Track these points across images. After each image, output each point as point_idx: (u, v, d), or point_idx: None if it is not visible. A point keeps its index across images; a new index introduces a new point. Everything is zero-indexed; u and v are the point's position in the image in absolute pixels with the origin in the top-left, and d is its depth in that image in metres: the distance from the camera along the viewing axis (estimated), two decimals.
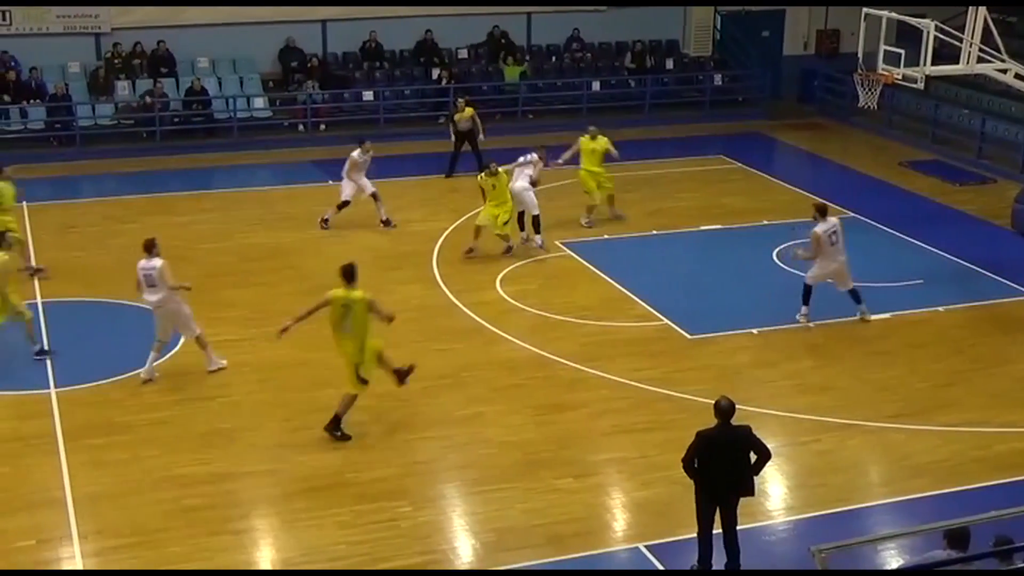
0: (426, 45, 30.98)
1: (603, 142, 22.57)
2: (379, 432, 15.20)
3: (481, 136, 25.90)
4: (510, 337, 17.96)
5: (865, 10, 21.89)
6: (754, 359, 17.56)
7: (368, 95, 29.85)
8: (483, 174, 21.13)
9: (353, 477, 14.07)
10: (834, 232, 18.11)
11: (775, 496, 13.88)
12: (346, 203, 22.51)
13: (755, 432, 11.90)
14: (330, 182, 25.49)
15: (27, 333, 17.10)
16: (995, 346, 18.24)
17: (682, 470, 11.89)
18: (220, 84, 29.42)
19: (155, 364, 16.47)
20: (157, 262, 16.24)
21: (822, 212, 18.12)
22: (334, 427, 14.91)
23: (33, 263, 20.22)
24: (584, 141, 22.65)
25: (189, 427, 15.24)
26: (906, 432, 15.37)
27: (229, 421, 15.42)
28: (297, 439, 14.95)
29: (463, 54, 31.65)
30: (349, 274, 14.60)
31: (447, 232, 22.52)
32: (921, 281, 20.43)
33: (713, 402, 11.98)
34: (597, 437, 15.25)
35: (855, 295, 18.61)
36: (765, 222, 23.09)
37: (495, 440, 15.03)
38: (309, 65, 29.74)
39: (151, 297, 16.36)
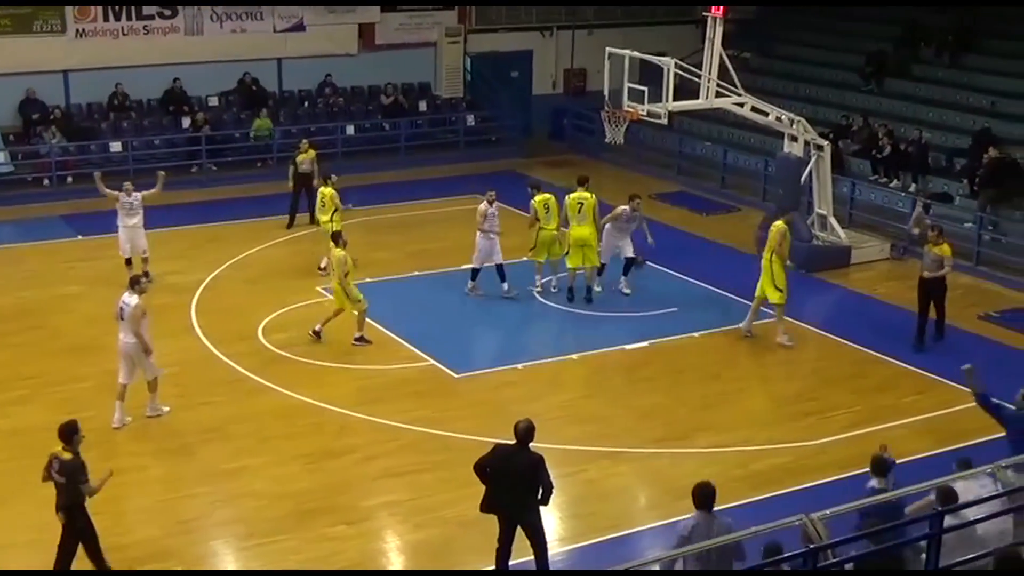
0: (174, 93, 30.37)
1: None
2: (142, 492, 14.71)
3: (316, 180, 25.23)
4: (275, 386, 17.68)
5: (608, 49, 22.58)
6: (520, 393, 17.75)
7: (116, 146, 29.03)
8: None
9: (116, 541, 13.48)
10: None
11: (547, 528, 13.99)
12: (127, 260, 21.59)
13: (544, 464, 12.04)
14: (79, 237, 24.71)
15: (356, 324, 19.14)
16: (748, 368, 18.99)
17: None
18: None
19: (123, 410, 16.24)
20: (132, 300, 15.91)
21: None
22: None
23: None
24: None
25: None
26: (670, 456, 15.80)
27: None
28: (53, 506, 14.29)
29: (214, 102, 31.16)
30: (583, 181, 21.13)
31: (205, 283, 22.07)
32: (676, 309, 21.10)
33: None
34: (368, 482, 15.14)
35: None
36: (525, 258, 23.40)
37: (265, 492, 14.74)
38: (52, 117, 28.75)
39: (120, 332, 16.08)
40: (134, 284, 16.22)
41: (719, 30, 22.23)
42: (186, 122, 29.91)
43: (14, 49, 28.30)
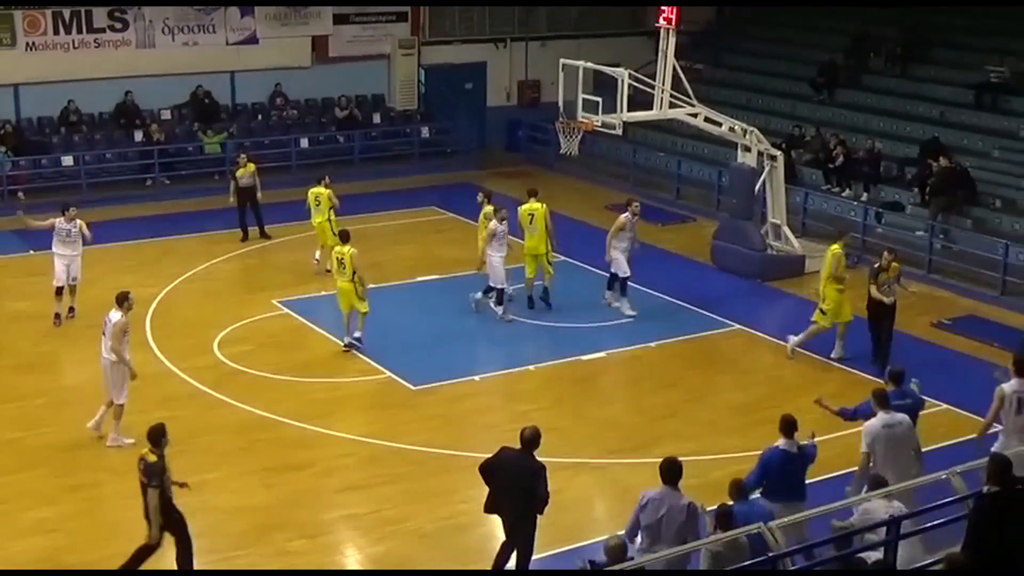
0: (126, 106, 30.17)
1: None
2: (99, 509, 14.59)
3: (258, 194, 25.18)
4: (232, 400, 17.58)
5: (562, 60, 22.65)
6: (477, 405, 17.78)
7: (67, 160, 28.80)
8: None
9: (74, 558, 13.43)
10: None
11: None
12: (59, 290, 20.54)
13: (544, 473, 12.13)
14: (31, 252, 24.47)
15: (359, 324, 19.29)
16: (705, 377, 19.06)
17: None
18: None
19: (101, 418, 16.29)
20: (115, 316, 15.86)
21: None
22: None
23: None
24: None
25: None
26: (628, 466, 15.84)
27: None
28: (8, 524, 14.17)
29: (166, 115, 30.97)
30: (533, 193, 21.30)
31: (159, 297, 21.92)
32: (632, 319, 21.16)
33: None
34: (327, 495, 15.09)
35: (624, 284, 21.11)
36: (480, 270, 23.45)
37: (223, 507, 14.65)
38: (2, 132, 28.47)
39: (103, 348, 16.07)
40: (121, 301, 16.11)
41: (672, 41, 22.36)
42: (138, 135, 29.72)
43: None
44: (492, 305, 20.99)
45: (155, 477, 12.37)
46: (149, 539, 12.55)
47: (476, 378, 18.67)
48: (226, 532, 14.06)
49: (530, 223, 21.01)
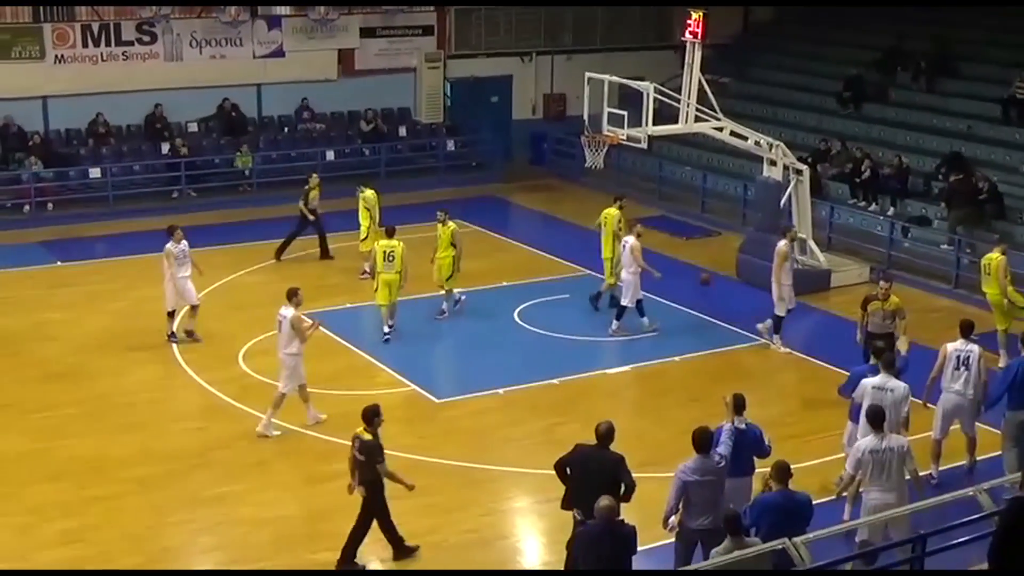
0: (155, 119, 30.33)
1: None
2: (122, 520, 14.63)
3: (319, 215, 25.29)
4: (256, 412, 17.58)
5: (588, 74, 22.67)
6: (501, 419, 17.74)
7: (95, 172, 28.95)
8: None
9: (98, 569, 13.46)
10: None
11: (530, 554, 14.00)
12: (194, 306, 20.49)
13: (625, 463, 12.30)
14: (58, 263, 24.62)
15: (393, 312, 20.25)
16: (729, 392, 18.89)
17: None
18: None
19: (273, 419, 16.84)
20: (288, 311, 16.45)
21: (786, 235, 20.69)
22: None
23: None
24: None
25: None
26: (654, 480, 15.72)
27: None
28: (33, 535, 14.23)
29: (193, 127, 31.13)
30: (619, 197, 22.28)
31: (186, 308, 21.95)
32: (657, 333, 21.11)
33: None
34: (352, 508, 15.00)
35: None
36: (505, 283, 23.49)
37: (248, 519, 14.68)
38: (30, 143, 28.66)
39: (280, 343, 16.76)
40: (291, 297, 16.70)
41: (698, 55, 22.35)
42: (165, 148, 29.86)
43: None
44: (614, 321, 21.01)
45: (377, 453, 13.18)
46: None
47: (500, 391, 18.65)
48: (250, 543, 14.08)
49: (602, 226, 21.81)
